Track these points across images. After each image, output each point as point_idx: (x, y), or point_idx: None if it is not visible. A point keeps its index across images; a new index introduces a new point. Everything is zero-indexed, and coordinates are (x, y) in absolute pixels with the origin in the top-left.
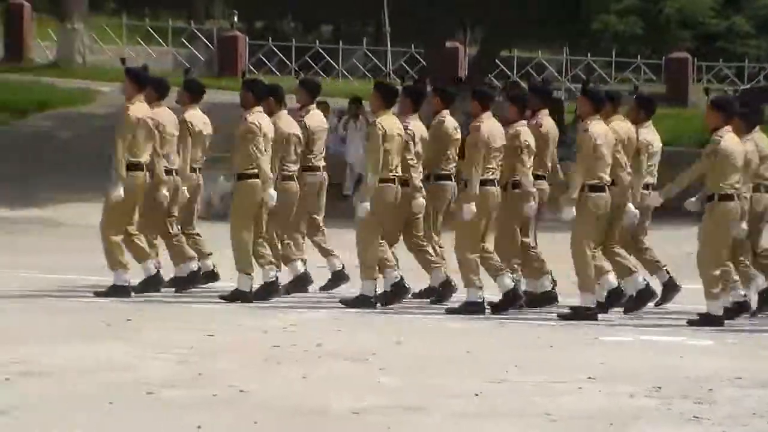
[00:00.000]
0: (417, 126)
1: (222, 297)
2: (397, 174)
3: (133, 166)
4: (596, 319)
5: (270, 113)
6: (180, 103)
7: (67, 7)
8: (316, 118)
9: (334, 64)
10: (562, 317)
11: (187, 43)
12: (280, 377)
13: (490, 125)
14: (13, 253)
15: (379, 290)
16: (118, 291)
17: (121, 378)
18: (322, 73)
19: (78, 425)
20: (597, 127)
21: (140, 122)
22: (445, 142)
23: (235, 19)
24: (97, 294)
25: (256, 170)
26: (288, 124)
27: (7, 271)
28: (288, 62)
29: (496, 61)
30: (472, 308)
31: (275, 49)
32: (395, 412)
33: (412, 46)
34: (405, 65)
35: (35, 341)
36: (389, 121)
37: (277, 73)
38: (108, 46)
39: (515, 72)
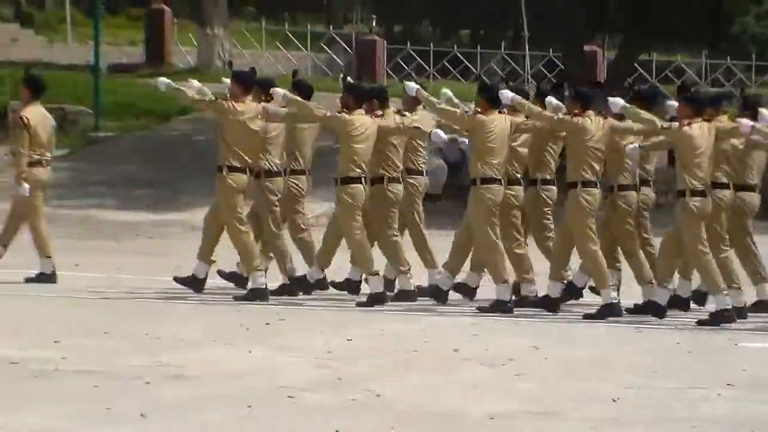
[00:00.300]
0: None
1: (359, 303)
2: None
3: (234, 168)
4: (732, 321)
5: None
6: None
7: (207, 12)
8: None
9: (472, 68)
10: (700, 323)
11: (326, 48)
12: (418, 382)
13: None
14: (156, 256)
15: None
16: (256, 294)
17: (260, 382)
18: (460, 77)
19: (216, 428)
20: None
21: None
22: None
23: (374, 23)
24: (237, 298)
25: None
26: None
27: (148, 276)
28: (426, 66)
29: (635, 64)
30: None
31: (413, 54)
32: (532, 417)
33: (550, 50)
34: (543, 69)
35: (177, 346)
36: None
37: (415, 77)
38: (247, 51)
39: (654, 76)
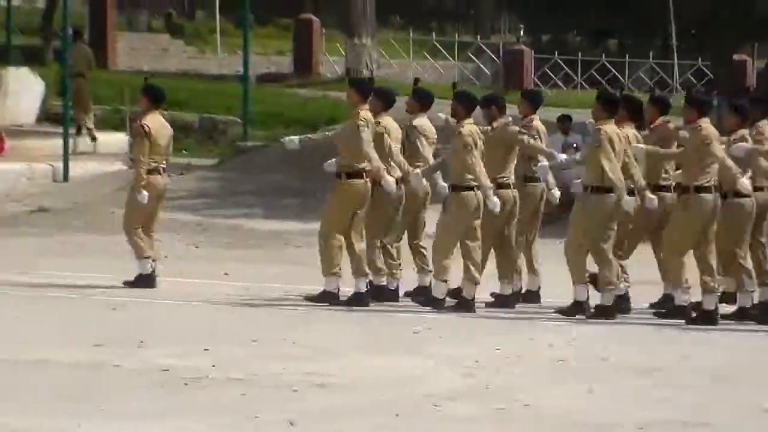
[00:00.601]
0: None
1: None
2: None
3: (354, 174)
4: None
5: (491, 122)
6: (409, 111)
7: (355, 22)
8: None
9: (620, 77)
10: None
11: (473, 57)
12: (566, 391)
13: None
14: (304, 265)
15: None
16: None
17: (406, 390)
18: (607, 86)
19: None
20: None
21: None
22: None
23: (521, 32)
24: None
25: (473, 182)
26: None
27: (295, 285)
28: (574, 76)
29: None
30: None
31: (561, 63)
32: (682, 427)
33: (699, 59)
34: (692, 78)
35: (324, 354)
36: (612, 128)
37: (563, 86)
38: (395, 61)
39: None
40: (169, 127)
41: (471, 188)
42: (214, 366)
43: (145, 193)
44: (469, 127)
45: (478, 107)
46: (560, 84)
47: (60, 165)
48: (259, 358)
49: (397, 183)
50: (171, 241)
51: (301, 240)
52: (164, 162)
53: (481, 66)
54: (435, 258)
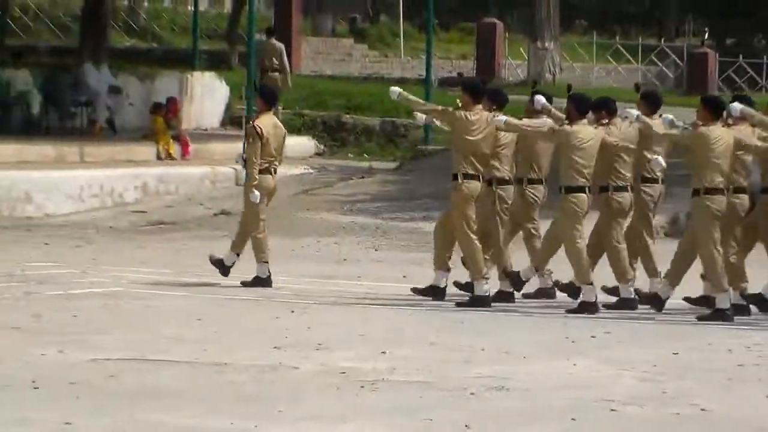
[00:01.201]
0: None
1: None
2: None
3: (469, 176)
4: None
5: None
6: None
7: (539, 26)
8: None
9: None
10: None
11: (656, 61)
12: (744, 397)
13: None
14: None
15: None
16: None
17: (584, 394)
18: None
19: None
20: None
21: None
22: None
23: (706, 36)
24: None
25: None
26: (619, 135)
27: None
28: (758, 79)
29: None
30: None
31: (746, 66)
32: None
33: None
34: None
35: (501, 357)
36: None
37: (747, 90)
38: (577, 64)
39: None
40: (282, 128)
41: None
42: (391, 369)
43: (257, 192)
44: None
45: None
46: (744, 87)
47: (242, 168)
48: (437, 361)
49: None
50: (351, 245)
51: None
52: (276, 162)
53: (665, 69)
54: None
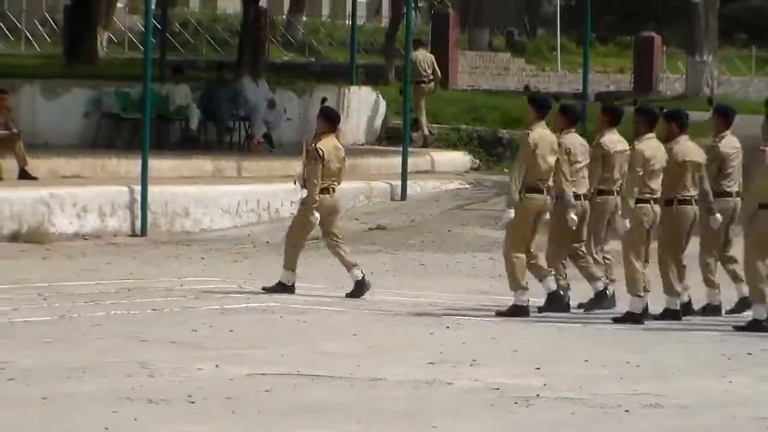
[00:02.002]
0: None
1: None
2: None
3: (532, 189)
4: None
5: (669, 139)
6: (600, 128)
7: (697, 39)
8: (730, 143)
9: None
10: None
11: None
12: None
13: None
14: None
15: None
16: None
17: (740, 412)
18: None
19: None
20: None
21: (538, 147)
22: None
23: None
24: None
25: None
26: (684, 150)
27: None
28: None
29: None
30: None
31: None
32: None
33: None
34: None
35: (656, 374)
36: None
37: None
38: (736, 78)
39: None
40: (342, 149)
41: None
42: (545, 385)
43: (317, 214)
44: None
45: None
46: None
47: (398, 183)
48: (591, 378)
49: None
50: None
51: None
52: (336, 183)
53: None
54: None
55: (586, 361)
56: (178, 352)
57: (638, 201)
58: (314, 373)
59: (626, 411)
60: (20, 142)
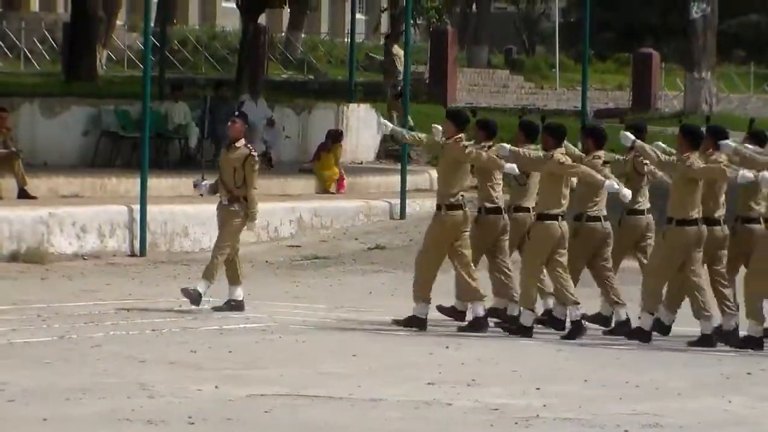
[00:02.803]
0: None
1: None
2: None
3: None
4: None
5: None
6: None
7: (696, 57)
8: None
9: None
10: None
11: None
12: None
13: None
14: None
15: None
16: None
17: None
18: None
19: None
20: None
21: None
22: None
23: None
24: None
25: None
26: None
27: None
28: None
29: None
30: None
31: None
32: None
33: None
34: None
35: (655, 394)
36: None
37: None
38: (735, 95)
39: None
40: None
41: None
42: (545, 405)
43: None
44: None
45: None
46: None
47: (397, 202)
48: (591, 398)
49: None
50: None
51: None
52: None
53: None
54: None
55: (585, 381)
56: (178, 372)
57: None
58: (314, 394)
59: (625, 431)
60: (19, 161)
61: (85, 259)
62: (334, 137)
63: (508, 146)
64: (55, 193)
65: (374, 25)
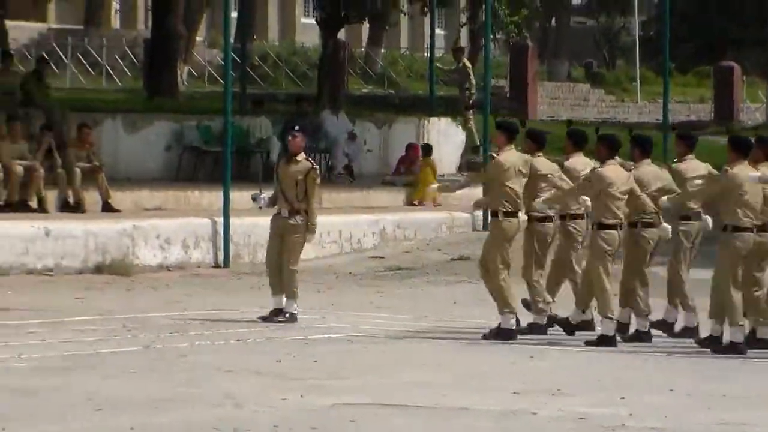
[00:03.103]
0: None
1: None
2: None
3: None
4: None
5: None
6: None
7: None
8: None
9: None
10: None
11: None
12: None
13: None
14: None
15: None
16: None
17: None
18: None
19: None
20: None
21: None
22: None
23: None
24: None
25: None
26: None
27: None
28: None
29: None
30: None
31: None
32: None
33: None
34: None
35: (742, 404)
36: None
37: None
38: None
39: None
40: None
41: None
42: (630, 414)
43: None
44: None
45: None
46: None
47: (479, 213)
48: (677, 407)
49: None
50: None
51: None
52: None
53: None
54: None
55: (671, 390)
56: (263, 382)
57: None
58: (399, 403)
59: None
60: (103, 175)
61: (169, 270)
62: (426, 151)
63: (540, 201)
64: (139, 206)
65: (453, 40)
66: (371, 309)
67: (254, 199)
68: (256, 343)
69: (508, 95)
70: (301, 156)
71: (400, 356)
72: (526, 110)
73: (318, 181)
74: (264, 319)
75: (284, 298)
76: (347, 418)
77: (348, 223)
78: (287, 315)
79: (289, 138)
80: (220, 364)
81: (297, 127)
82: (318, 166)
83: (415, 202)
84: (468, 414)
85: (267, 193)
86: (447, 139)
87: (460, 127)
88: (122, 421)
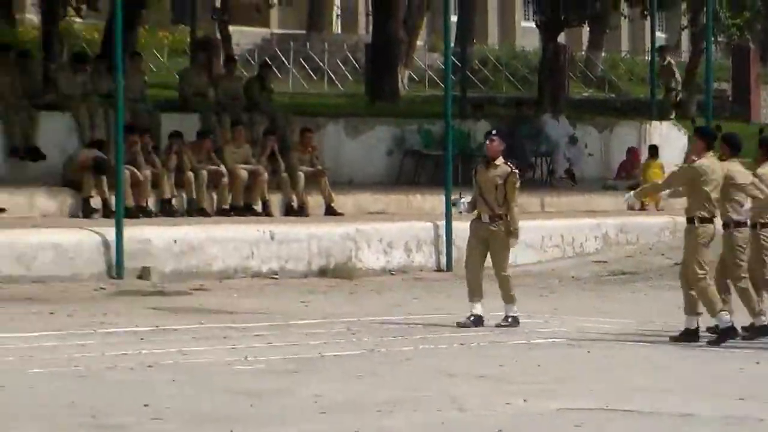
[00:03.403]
0: None
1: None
2: None
3: (705, 219)
4: None
5: None
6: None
7: None
8: None
9: None
10: None
11: None
12: None
13: None
14: None
15: None
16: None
17: None
18: None
19: None
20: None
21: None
22: None
23: None
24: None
25: None
26: None
27: None
28: None
29: None
30: None
31: None
32: None
33: None
34: None
35: None
36: None
37: None
38: None
39: None
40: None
41: None
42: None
43: None
44: None
45: None
46: None
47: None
48: None
49: None
50: None
51: None
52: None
53: None
54: None
55: None
56: (486, 386)
57: None
58: (623, 408)
59: None
60: (325, 178)
61: (392, 274)
62: (652, 152)
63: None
64: (361, 209)
65: (674, 43)
66: (595, 313)
67: (454, 204)
68: (479, 347)
69: (730, 98)
70: (500, 160)
71: (624, 361)
72: (748, 113)
73: (518, 185)
74: (460, 324)
75: (503, 304)
76: (572, 423)
77: (570, 228)
78: (509, 319)
79: (487, 143)
80: (444, 368)
81: (494, 131)
82: (517, 171)
83: (636, 207)
84: (693, 420)
85: (466, 198)
86: (669, 143)
87: (683, 131)
88: (346, 423)
